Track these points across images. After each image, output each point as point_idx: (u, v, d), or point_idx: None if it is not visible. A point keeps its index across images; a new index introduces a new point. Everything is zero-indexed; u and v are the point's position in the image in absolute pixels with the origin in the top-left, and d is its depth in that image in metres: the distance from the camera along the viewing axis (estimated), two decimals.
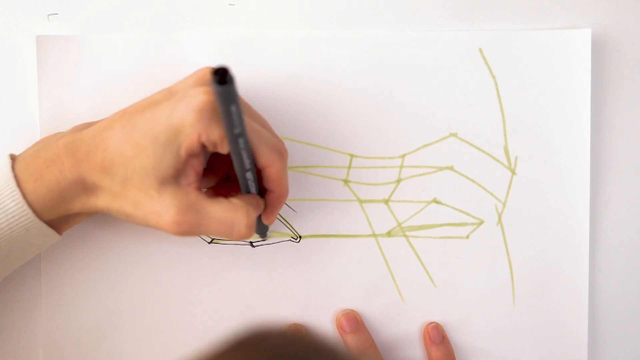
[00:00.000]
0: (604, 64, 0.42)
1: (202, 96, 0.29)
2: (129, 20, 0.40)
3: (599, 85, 0.41)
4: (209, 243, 0.40)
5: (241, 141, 0.29)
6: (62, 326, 0.39)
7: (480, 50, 0.40)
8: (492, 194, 0.41)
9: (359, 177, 0.40)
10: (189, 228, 0.30)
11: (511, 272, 0.41)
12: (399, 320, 0.41)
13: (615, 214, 0.42)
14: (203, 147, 0.30)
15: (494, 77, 0.41)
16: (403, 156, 0.41)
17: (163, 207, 0.30)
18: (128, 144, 0.30)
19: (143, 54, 0.39)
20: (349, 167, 0.40)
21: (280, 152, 0.33)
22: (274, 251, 0.40)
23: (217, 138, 0.29)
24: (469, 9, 0.41)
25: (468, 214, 0.41)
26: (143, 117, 0.30)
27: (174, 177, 0.30)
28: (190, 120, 0.29)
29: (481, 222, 0.41)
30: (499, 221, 0.41)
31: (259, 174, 0.33)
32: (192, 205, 0.30)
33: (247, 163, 0.31)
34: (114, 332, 0.39)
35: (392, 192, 0.41)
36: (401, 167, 0.40)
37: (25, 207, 0.31)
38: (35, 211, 0.31)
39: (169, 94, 0.32)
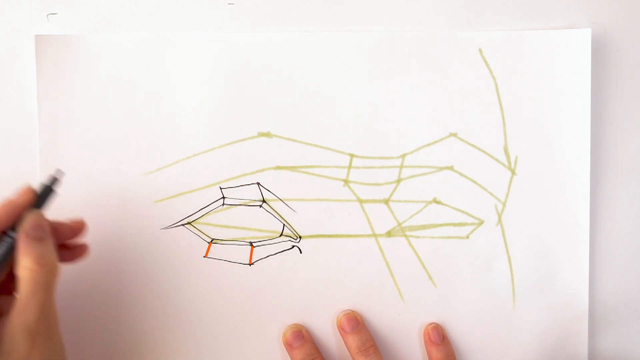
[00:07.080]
0: (604, 64, 0.42)
1: None
2: (129, 20, 0.40)
3: (599, 85, 0.41)
4: (209, 243, 0.40)
5: None
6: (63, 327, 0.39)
7: (480, 51, 0.40)
8: (492, 194, 0.41)
9: (359, 177, 0.40)
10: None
11: (511, 272, 0.41)
12: (399, 320, 0.41)
13: (615, 214, 0.42)
14: None
15: (494, 77, 0.41)
16: (403, 156, 0.40)
17: None
18: None
19: (142, 54, 0.39)
20: (349, 167, 0.40)
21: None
22: (274, 251, 0.40)
23: None
24: (469, 9, 0.41)
25: (468, 214, 0.41)
26: None
27: None
28: None
29: (481, 222, 0.41)
30: (499, 221, 0.41)
31: None
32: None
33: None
34: (116, 331, 0.39)
35: (392, 192, 0.40)
36: (401, 167, 0.40)
37: None
38: None
39: None
